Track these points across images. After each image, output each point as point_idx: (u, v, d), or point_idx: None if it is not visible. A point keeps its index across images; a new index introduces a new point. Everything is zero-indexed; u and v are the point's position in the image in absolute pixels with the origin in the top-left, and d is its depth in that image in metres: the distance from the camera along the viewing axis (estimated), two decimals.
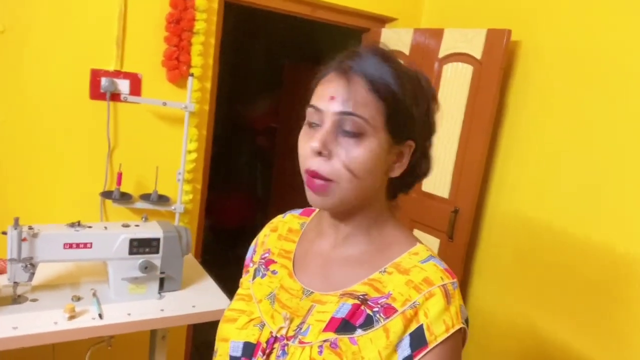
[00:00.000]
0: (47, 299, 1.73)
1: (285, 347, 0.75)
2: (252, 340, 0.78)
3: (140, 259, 1.80)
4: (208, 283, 2.03)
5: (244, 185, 5.16)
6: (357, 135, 0.72)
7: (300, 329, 0.75)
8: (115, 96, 2.15)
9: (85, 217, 1.87)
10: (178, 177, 2.24)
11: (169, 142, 2.29)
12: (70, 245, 1.70)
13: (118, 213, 2.23)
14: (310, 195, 0.76)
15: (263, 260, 0.91)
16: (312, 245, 0.87)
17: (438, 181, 2.44)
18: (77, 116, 2.11)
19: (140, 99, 2.15)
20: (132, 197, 2.19)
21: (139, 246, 1.79)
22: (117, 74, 2.14)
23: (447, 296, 0.71)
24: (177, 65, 2.21)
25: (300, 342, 0.73)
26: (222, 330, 0.83)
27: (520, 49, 2.30)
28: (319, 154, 0.72)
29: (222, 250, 4.72)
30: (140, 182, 2.26)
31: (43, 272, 1.83)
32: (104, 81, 2.11)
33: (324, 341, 0.71)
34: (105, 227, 1.79)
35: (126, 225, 1.83)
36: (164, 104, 2.14)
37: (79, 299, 1.76)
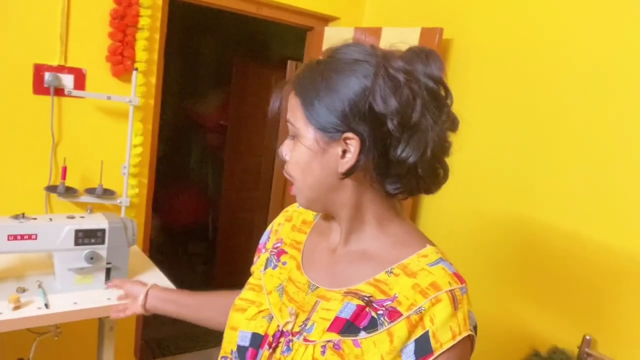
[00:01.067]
0: None
1: (290, 343, 0.75)
2: (260, 331, 0.79)
3: (86, 250, 1.83)
4: (155, 274, 2.07)
5: (195, 183, 5.17)
6: (295, 138, 0.77)
7: (306, 325, 0.76)
8: (59, 91, 2.16)
9: (30, 210, 1.87)
10: (123, 171, 2.27)
11: (114, 136, 2.31)
12: (15, 237, 1.71)
13: (63, 207, 2.23)
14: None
15: (275, 250, 0.92)
16: (321, 239, 0.87)
17: None
18: (20, 111, 2.10)
19: (84, 93, 2.17)
20: (77, 191, 2.21)
21: (84, 237, 1.82)
22: (61, 68, 2.15)
23: (455, 302, 0.70)
24: (121, 60, 2.24)
25: (305, 340, 0.74)
26: (232, 319, 0.84)
27: (452, 46, 2.46)
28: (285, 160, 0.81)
29: (174, 247, 4.72)
30: (85, 176, 2.27)
31: None
32: (47, 76, 2.11)
33: (328, 341, 0.71)
34: (50, 219, 1.81)
35: (71, 217, 1.85)
36: (109, 97, 2.16)
37: (24, 290, 1.77)
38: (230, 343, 0.82)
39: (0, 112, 2.07)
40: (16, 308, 1.66)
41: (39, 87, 2.13)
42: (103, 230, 1.85)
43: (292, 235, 0.92)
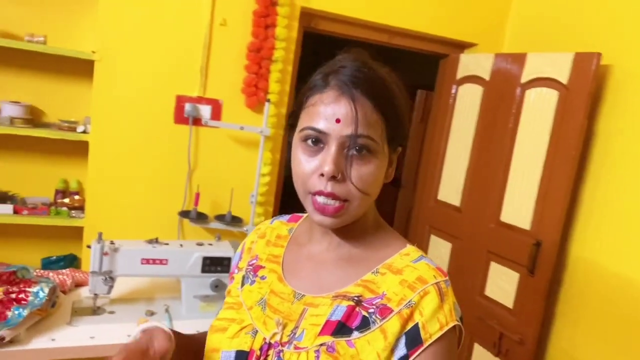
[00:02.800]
0: (123, 312, 1.82)
1: (281, 354, 0.73)
2: (245, 348, 0.76)
3: (211, 277, 1.85)
4: None
5: None
6: (368, 153, 0.73)
7: (295, 334, 0.74)
8: (197, 121, 2.26)
9: (164, 234, 1.96)
10: (251, 199, 2.29)
11: (244, 165, 2.36)
12: (147, 261, 1.78)
13: (194, 232, 2.32)
14: (320, 217, 0.74)
15: (251, 267, 0.90)
16: (303, 249, 0.86)
17: (518, 211, 2.30)
18: (162, 139, 2.24)
19: (220, 123, 2.25)
20: (207, 217, 2.27)
21: (211, 264, 1.85)
22: (200, 99, 2.25)
23: (441, 294, 0.71)
24: (255, 91, 2.29)
25: (296, 348, 0.72)
26: (212, 340, 0.81)
27: (611, 73, 2.15)
28: (333, 177, 0.72)
29: None
30: (215, 202, 2.34)
31: (121, 287, 1.93)
32: (187, 106, 2.23)
33: (321, 345, 0.71)
34: (181, 245, 1.86)
35: (200, 244, 1.89)
36: (242, 128, 2.22)
37: (152, 313, 1.83)
38: None
39: (145, 140, 2.21)
40: None
41: (180, 117, 2.24)
42: (229, 259, 1.86)
43: (268, 250, 0.90)
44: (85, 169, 2.25)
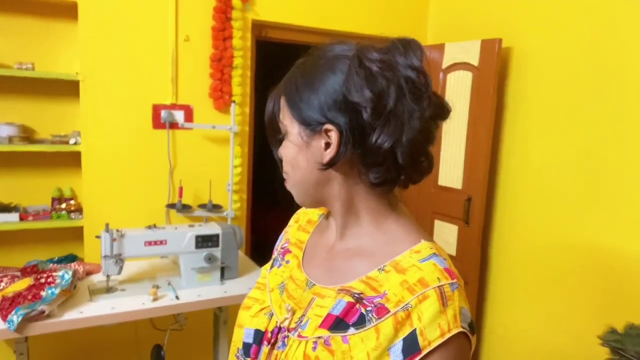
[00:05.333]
0: (133, 289, 2.15)
1: (285, 339, 0.76)
2: (262, 327, 0.80)
3: (204, 252, 2.21)
4: (259, 271, 2.41)
5: (281, 200, 5.56)
6: (285, 136, 0.79)
7: (301, 321, 0.76)
8: (172, 125, 2.60)
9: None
10: (228, 188, 2.66)
11: (219, 159, 2.73)
12: (150, 243, 2.12)
13: (180, 220, 2.66)
14: None
15: (282, 250, 0.93)
16: (321, 237, 0.88)
17: (451, 175, 2.78)
18: (144, 143, 2.57)
19: (194, 124, 2.60)
20: (191, 207, 2.62)
21: (203, 241, 2.20)
22: (173, 106, 2.60)
23: (443, 298, 0.67)
24: (221, 95, 2.66)
25: (299, 336, 0.74)
26: (239, 317, 0.86)
27: (512, 54, 2.65)
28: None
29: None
30: (197, 194, 2.69)
31: (126, 270, 2.24)
32: (163, 113, 2.57)
33: (319, 337, 0.71)
34: (175, 228, 2.21)
35: (192, 226, 2.24)
36: (213, 127, 2.58)
37: (158, 287, 2.17)
38: (237, 341, 0.84)
39: (128, 144, 2.54)
40: (155, 299, 2.05)
41: (157, 123, 2.58)
42: (217, 235, 2.22)
43: (298, 235, 0.93)
44: (76, 176, 2.55)
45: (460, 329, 0.66)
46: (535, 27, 2.52)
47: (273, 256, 0.96)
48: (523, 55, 2.60)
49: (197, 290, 2.18)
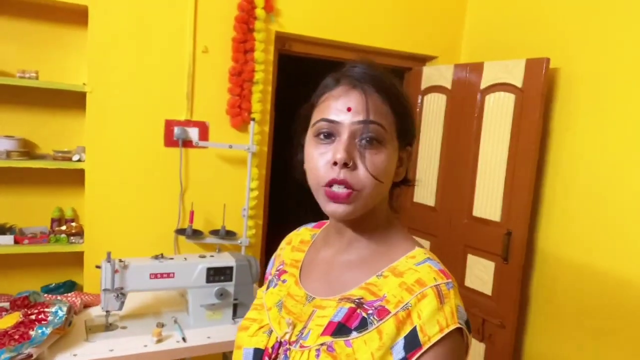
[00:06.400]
0: (135, 326, 1.91)
1: (287, 352, 0.77)
2: (261, 346, 0.80)
3: (216, 287, 1.97)
4: None
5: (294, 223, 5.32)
6: (378, 142, 0.74)
7: (302, 333, 0.77)
8: (186, 143, 2.39)
9: (162, 252, 2.07)
10: (243, 213, 2.42)
11: (234, 181, 2.50)
12: (156, 275, 1.89)
13: (190, 248, 2.43)
14: (332, 206, 0.75)
15: (277, 272, 0.94)
16: (319, 253, 0.89)
17: (488, 205, 2.52)
18: (154, 162, 2.35)
19: (209, 143, 2.38)
20: (202, 233, 2.39)
21: (214, 274, 1.97)
22: (188, 122, 2.39)
23: (440, 296, 0.70)
24: (239, 112, 2.44)
25: (301, 347, 0.75)
26: (237, 338, 0.86)
27: (560, 75, 2.41)
28: (345, 165, 0.73)
29: None
30: (209, 219, 2.46)
31: (128, 304, 2.01)
32: (176, 130, 2.36)
33: (322, 345, 0.72)
34: (185, 258, 1.98)
35: (202, 256, 2.01)
36: (230, 146, 2.36)
37: (162, 325, 1.93)
38: None
39: (137, 163, 2.32)
40: (159, 341, 1.81)
41: (170, 140, 2.37)
42: (231, 268, 1.98)
43: (292, 255, 0.94)
44: (79, 196, 2.33)
45: (458, 325, 0.70)
46: (588, 47, 2.29)
47: (267, 280, 0.97)
48: (572, 78, 2.36)
49: (207, 330, 1.94)
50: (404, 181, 0.85)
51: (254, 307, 0.91)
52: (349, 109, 0.74)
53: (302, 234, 0.98)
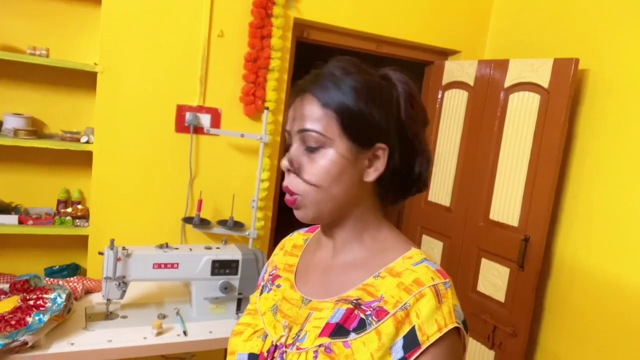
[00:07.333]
0: (136, 316, 1.87)
1: (284, 355, 0.76)
2: (256, 350, 0.80)
3: (221, 280, 1.91)
4: None
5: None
6: (317, 148, 0.76)
7: (299, 336, 0.77)
8: (197, 129, 2.32)
9: (167, 240, 2.01)
10: (252, 204, 2.36)
11: (245, 171, 2.43)
12: (159, 265, 1.83)
13: (197, 237, 2.37)
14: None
15: (271, 277, 0.94)
16: (313, 256, 0.89)
17: (506, 209, 2.43)
18: (164, 147, 2.29)
19: (221, 131, 2.31)
20: (210, 223, 2.33)
21: (220, 267, 1.91)
22: (200, 108, 2.32)
23: (438, 295, 0.71)
24: (253, 100, 2.37)
25: (298, 349, 0.75)
26: (231, 343, 0.86)
27: (589, 77, 2.30)
28: (289, 170, 0.78)
29: None
30: (217, 208, 2.40)
31: (130, 292, 1.96)
32: (188, 115, 2.29)
33: (319, 346, 0.72)
34: (190, 249, 1.92)
35: (208, 248, 1.95)
36: (242, 135, 2.29)
37: (164, 316, 1.88)
38: None
39: (146, 148, 2.26)
40: (159, 334, 1.76)
41: (181, 126, 2.30)
42: (237, 262, 1.92)
43: (285, 260, 0.94)
44: (86, 178, 2.28)
45: (456, 324, 0.70)
46: (620, 49, 2.17)
47: (260, 285, 0.97)
48: (602, 81, 2.24)
49: (209, 324, 1.89)
50: (401, 180, 0.82)
51: (247, 312, 0.91)
52: (293, 119, 0.79)
53: (295, 239, 0.99)
